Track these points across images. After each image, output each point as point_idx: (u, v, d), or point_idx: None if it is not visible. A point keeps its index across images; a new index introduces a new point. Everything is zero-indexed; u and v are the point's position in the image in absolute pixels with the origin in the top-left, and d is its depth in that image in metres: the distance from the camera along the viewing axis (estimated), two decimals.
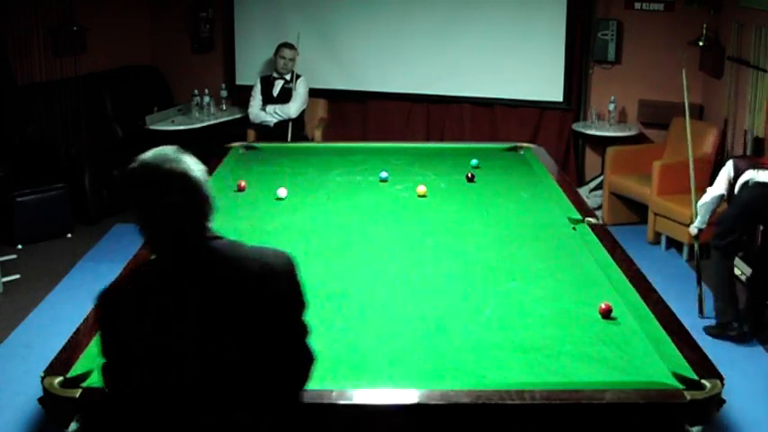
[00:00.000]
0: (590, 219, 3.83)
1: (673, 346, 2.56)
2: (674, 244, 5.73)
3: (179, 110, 6.89)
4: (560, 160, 6.67)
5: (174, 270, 1.73)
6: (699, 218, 4.60)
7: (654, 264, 5.16)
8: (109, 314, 1.75)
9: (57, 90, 6.41)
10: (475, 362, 2.51)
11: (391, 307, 2.92)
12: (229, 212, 4.00)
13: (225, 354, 1.71)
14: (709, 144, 5.87)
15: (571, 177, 6.51)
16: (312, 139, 6.63)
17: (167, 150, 1.77)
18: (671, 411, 2.26)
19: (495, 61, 6.88)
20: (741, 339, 4.33)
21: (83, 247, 5.77)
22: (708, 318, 4.58)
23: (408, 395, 2.28)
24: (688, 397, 2.26)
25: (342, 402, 2.25)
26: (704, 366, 2.42)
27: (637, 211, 6.21)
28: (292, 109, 6.48)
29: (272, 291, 1.75)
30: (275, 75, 6.55)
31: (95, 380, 2.26)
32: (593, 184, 6.76)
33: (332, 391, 2.28)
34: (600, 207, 6.40)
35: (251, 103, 6.58)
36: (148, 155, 1.75)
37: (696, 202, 4.67)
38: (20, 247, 5.70)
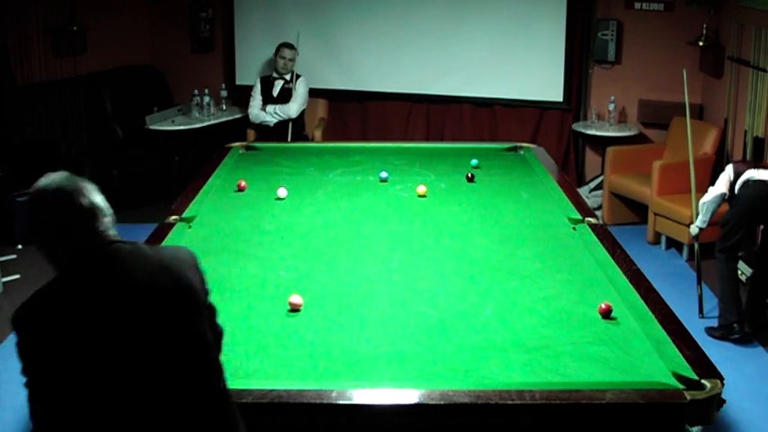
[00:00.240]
0: (590, 219, 3.82)
1: (673, 346, 2.56)
2: (674, 244, 5.73)
3: (179, 110, 6.89)
4: (560, 160, 6.68)
5: (79, 283, 1.72)
6: (700, 217, 4.59)
7: (654, 264, 5.17)
8: (29, 334, 1.70)
9: (57, 90, 6.40)
10: (475, 362, 2.51)
11: (391, 307, 2.91)
12: (229, 212, 4.01)
13: (153, 355, 1.71)
14: (709, 144, 5.88)
15: (571, 177, 6.51)
16: (312, 139, 6.63)
17: (48, 177, 1.78)
18: (671, 411, 2.26)
19: (495, 61, 6.88)
20: (741, 339, 4.33)
21: None
22: (708, 318, 4.58)
23: (408, 395, 2.27)
24: (688, 397, 2.26)
25: (342, 402, 2.25)
26: (704, 366, 2.42)
27: (637, 211, 6.21)
28: (292, 109, 6.47)
29: (181, 283, 1.79)
30: (275, 75, 6.55)
31: None
32: (593, 184, 6.76)
33: (332, 391, 2.28)
34: (600, 207, 6.39)
35: (251, 103, 6.57)
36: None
37: (696, 203, 4.67)
38: (20, 247, 5.69)
